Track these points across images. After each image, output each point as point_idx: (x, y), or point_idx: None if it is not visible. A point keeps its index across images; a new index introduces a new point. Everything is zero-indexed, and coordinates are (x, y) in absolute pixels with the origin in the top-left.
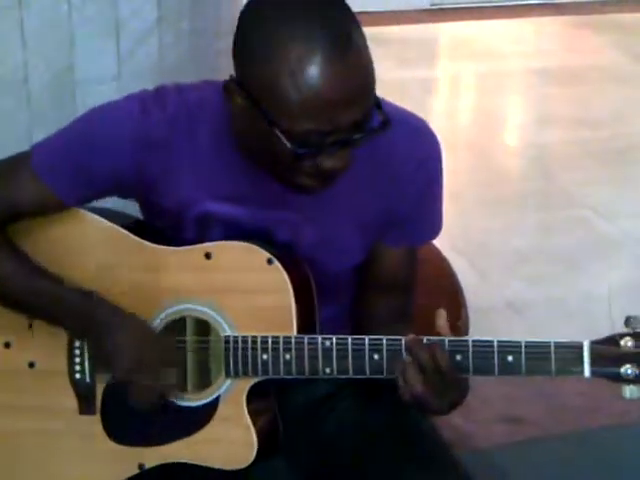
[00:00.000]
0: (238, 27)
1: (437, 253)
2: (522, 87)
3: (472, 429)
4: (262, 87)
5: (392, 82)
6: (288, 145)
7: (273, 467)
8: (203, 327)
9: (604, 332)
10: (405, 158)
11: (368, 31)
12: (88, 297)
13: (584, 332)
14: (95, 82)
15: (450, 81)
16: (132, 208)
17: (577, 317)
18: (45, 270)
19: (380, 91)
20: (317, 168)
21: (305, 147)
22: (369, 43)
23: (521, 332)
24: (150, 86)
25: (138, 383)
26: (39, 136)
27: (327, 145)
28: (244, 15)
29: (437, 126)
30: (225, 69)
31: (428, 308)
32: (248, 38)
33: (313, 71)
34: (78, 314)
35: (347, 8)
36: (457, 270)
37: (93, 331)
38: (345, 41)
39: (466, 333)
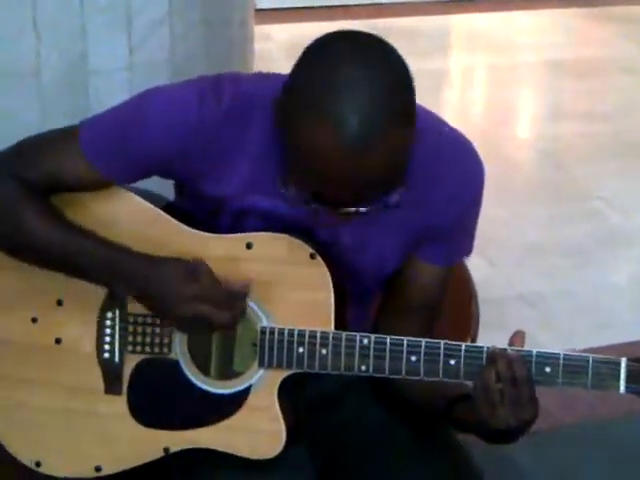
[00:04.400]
0: (299, 59)
1: None
2: (534, 79)
3: None
4: (288, 133)
5: None
6: (291, 190)
7: (293, 455)
8: None
9: (615, 324)
10: (452, 177)
11: (380, 23)
12: (136, 255)
13: (596, 324)
14: (107, 72)
15: (462, 73)
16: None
17: (589, 309)
18: (90, 230)
19: None
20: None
21: (302, 200)
22: (380, 34)
23: (532, 324)
24: (162, 77)
25: (208, 314)
26: (51, 126)
27: (329, 207)
28: (306, 53)
29: (449, 118)
30: (237, 59)
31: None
32: (296, 78)
33: (329, 155)
34: (127, 271)
35: (403, 93)
36: (468, 262)
37: (147, 280)
38: (371, 140)
39: (476, 326)
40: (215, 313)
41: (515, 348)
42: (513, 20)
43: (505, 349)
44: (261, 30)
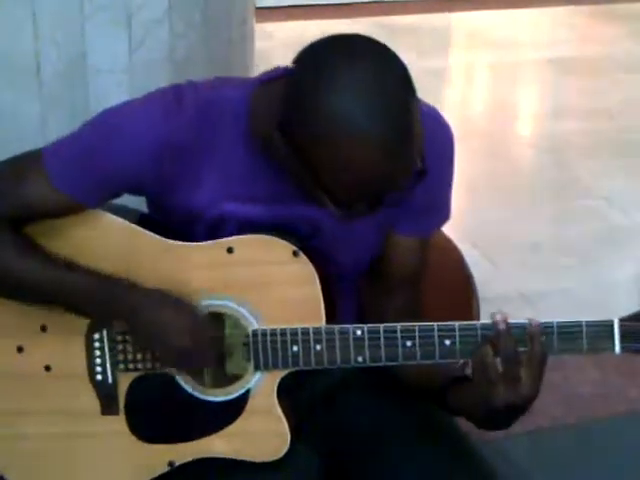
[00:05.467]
0: (295, 75)
1: (448, 242)
2: (536, 77)
3: None
4: (314, 155)
5: None
6: (331, 208)
7: (297, 455)
8: (218, 322)
9: None
10: (425, 148)
11: (381, 20)
12: (121, 283)
13: None
14: (107, 71)
15: (463, 71)
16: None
17: (589, 308)
18: (71, 261)
19: None
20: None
21: (345, 211)
22: (382, 32)
23: None
24: (161, 76)
25: (188, 365)
26: (51, 124)
27: (366, 206)
28: (303, 67)
29: (450, 116)
30: (237, 58)
31: (438, 298)
32: (303, 99)
33: (367, 158)
34: (112, 301)
35: (408, 87)
36: (470, 260)
37: (132, 317)
38: (403, 134)
39: None
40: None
41: (510, 321)
42: (516, 18)
43: (505, 323)
44: (263, 28)
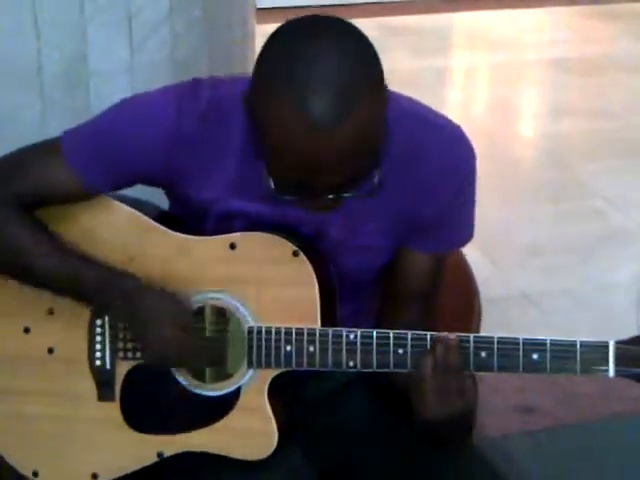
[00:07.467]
0: (261, 48)
1: None
2: (537, 77)
3: (485, 419)
4: (258, 127)
5: (407, 72)
6: (270, 184)
7: (289, 457)
8: (220, 317)
9: (617, 322)
10: (436, 162)
11: (382, 21)
12: (124, 276)
13: (598, 323)
14: (108, 72)
15: (465, 71)
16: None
17: (591, 308)
18: (77, 250)
19: (395, 81)
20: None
21: (283, 192)
22: (384, 33)
23: (535, 323)
24: (163, 76)
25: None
26: (52, 126)
27: (304, 196)
28: (266, 41)
29: (451, 116)
30: (238, 58)
31: (440, 298)
32: (259, 66)
33: (297, 134)
34: (111, 291)
35: (369, 64)
36: (471, 260)
37: (127, 310)
38: (334, 120)
39: (478, 324)
40: (182, 356)
41: (502, 336)
42: (517, 18)
43: (468, 336)
44: (264, 29)
